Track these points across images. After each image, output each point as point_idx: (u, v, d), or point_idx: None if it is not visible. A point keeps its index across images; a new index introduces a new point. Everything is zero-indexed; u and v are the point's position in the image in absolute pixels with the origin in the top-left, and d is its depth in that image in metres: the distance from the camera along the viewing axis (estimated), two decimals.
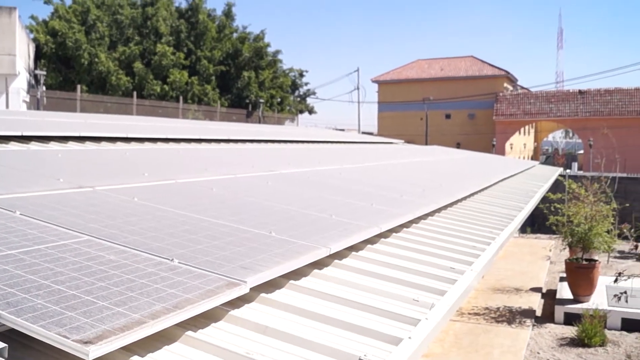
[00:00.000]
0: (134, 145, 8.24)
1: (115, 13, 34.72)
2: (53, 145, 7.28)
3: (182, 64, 34.73)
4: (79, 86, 27.41)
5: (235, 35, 40.05)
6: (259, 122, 32.56)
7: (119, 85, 32.03)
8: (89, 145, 7.66)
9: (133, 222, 3.53)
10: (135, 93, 28.76)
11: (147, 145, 8.49)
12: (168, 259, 2.89)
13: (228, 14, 40.24)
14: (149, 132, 9.16)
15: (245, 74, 37.43)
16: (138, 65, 32.99)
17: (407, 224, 5.60)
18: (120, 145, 8.03)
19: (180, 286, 2.54)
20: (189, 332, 2.46)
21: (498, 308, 9.81)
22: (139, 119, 14.50)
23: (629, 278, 6.92)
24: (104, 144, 7.93)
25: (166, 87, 33.34)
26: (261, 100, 35.81)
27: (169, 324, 2.21)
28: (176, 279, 2.64)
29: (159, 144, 8.79)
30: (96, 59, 31.84)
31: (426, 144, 35.94)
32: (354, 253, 4.28)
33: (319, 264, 3.76)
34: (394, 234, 5.16)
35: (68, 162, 5.67)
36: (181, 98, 31.42)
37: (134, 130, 9.04)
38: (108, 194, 4.25)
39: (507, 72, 48.68)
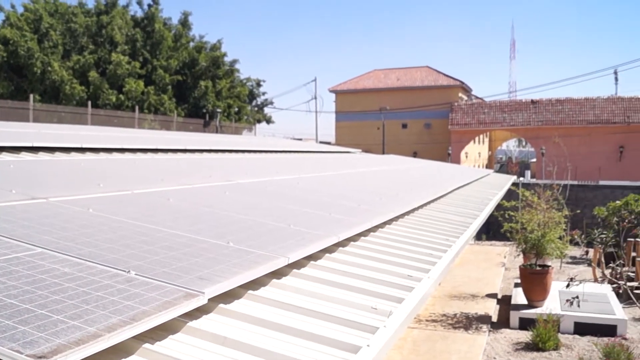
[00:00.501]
0: (88, 155, 8.10)
1: (69, 21, 34.16)
2: (5, 156, 7.12)
3: (138, 73, 34.34)
4: (31, 95, 26.81)
5: (191, 44, 39.83)
6: (216, 132, 32.37)
7: (73, 94, 31.48)
8: (42, 155, 7.51)
9: (88, 233, 3.48)
10: (90, 103, 28.30)
11: (103, 155, 8.36)
12: (124, 271, 2.86)
13: (184, 23, 40.00)
14: (104, 142, 9.02)
15: (202, 83, 37.21)
16: (93, 75, 32.49)
17: (365, 233, 5.64)
18: (74, 155, 7.89)
19: (137, 298, 2.52)
20: (147, 345, 2.44)
21: (455, 314, 9.93)
22: (94, 128, 14.27)
23: (580, 283, 7.10)
24: (57, 154, 7.79)
25: (122, 97, 32.91)
26: (218, 110, 35.63)
27: (126, 336, 2.18)
28: (133, 290, 2.61)
29: (115, 154, 8.67)
30: (49, 68, 31.25)
31: (383, 153, 36.21)
32: (312, 262, 4.29)
33: (278, 274, 3.77)
34: (352, 242, 5.19)
35: (20, 173, 5.56)
36: (137, 108, 31.05)
37: (89, 141, 8.90)
38: (62, 205, 4.18)
39: (462, 82, 49.48)
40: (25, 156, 7.34)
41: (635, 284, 11.89)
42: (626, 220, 11.82)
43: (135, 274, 2.84)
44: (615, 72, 53.63)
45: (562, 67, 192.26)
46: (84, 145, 8.39)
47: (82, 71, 32.93)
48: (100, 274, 2.78)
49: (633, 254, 13.12)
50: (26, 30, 31.70)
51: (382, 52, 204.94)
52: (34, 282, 2.54)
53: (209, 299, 2.76)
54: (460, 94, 48.90)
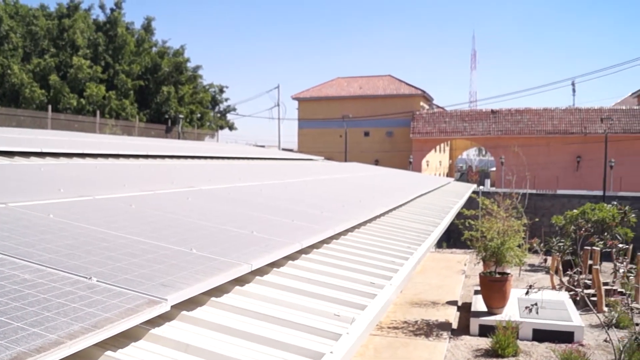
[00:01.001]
0: (49, 160, 7.97)
1: (29, 24, 33.55)
2: None
3: (100, 77, 33.88)
4: None
5: (154, 49, 39.48)
6: (179, 138, 32.10)
7: (33, 98, 30.90)
8: (0, 160, 7.36)
9: (48, 239, 3.43)
10: (50, 107, 27.80)
11: (63, 160, 8.23)
12: (86, 278, 2.83)
13: (147, 28, 39.64)
14: (64, 147, 8.88)
15: (165, 89, 36.90)
16: (53, 78, 31.95)
17: (327, 240, 5.67)
18: (34, 160, 7.75)
19: (99, 305, 2.49)
20: (109, 352, 2.42)
21: (416, 321, 10.03)
22: (55, 133, 14.03)
23: (539, 290, 7.24)
24: (17, 158, 7.64)
25: (83, 101, 32.42)
26: (181, 116, 35.34)
27: (88, 344, 2.16)
28: (95, 297, 2.58)
29: (76, 159, 8.54)
30: (9, 71, 30.64)
31: (346, 160, 36.37)
32: (275, 269, 4.30)
33: (241, 281, 3.77)
34: (314, 249, 5.21)
35: None
36: (98, 113, 30.62)
37: (49, 145, 8.75)
38: (22, 210, 4.11)
39: (424, 92, 50.02)
40: None
41: (591, 291, 12.17)
42: (583, 229, 12.10)
43: (97, 281, 2.81)
44: (573, 84, 55.09)
45: (522, 77, 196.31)
46: (44, 150, 8.24)
47: (42, 75, 32.35)
48: (61, 280, 2.74)
49: (590, 261, 13.42)
50: None
51: (345, 60, 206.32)
52: None
53: (171, 306, 2.75)
54: (421, 103, 49.42)
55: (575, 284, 11.52)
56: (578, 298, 11.20)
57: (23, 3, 35.27)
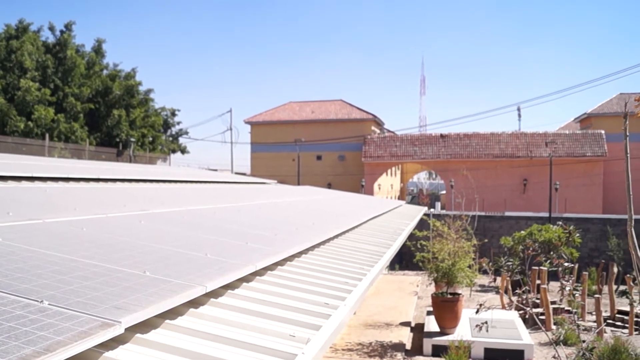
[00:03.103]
0: None
1: None
2: None
3: (48, 100, 33.24)
4: None
5: (105, 72, 39.01)
6: (130, 162, 31.67)
7: None
8: None
9: None
10: None
11: (11, 183, 8.05)
12: (37, 301, 2.79)
13: (98, 51, 39.17)
14: (12, 170, 8.68)
15: (116, 112, 36.43)
16: (0, 101, 31.20)
17: (281, 262, 5.68)
18: None
19: (51, 328, 2.46)
20: None
21: (370, 343, 10.07)
22: (2, 156, 13.70)
23: (489, 309, 7.38)
24: None
25: (30, 124, 31.72)
26: (132, 139, 34.91)
27: None
28: (46, 321, 2.55)
29: (24, 183, 8.36)
30: None
31: (298, 184, 36.44)
32: (230, 291, 4.29)
33: (195, 303, 3.75)
34: (269, 272, 5.22)
35: None
36: (47, 136, 30.00)
37: None
38: None
39: (375, 116, 50.63)
40: None
41: (540, 309, 12.44)
42: (530, 249, 12.39)
43: (49, 304, 2.77)
44: (519, 109, 56.62)
45: (470, 103, 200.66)
46: None
47: None
48: (11, 304, 2.70)
49: (537, 281, 13.74)
50: None
51: (297, 84, 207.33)
52: None
53: (125, 329, 2.73)
54: (372, 127, 49.99)
55: (524, 302, 11.76)
56: (527, 316, 11.43)
57: None
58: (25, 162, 11.25)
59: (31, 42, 34.79)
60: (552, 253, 13.67)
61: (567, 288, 8.27)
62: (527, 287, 8.16)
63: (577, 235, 13.65)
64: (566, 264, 8.88)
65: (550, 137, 42.90)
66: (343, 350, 9.58)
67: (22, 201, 6.25)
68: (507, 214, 28.50)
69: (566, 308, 13.10)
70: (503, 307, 12.28)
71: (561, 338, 10.53)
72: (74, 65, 35.79)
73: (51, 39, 37.09)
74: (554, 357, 7.49)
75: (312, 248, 6.97)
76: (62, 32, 36.91)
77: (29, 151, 25.83)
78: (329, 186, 39.79)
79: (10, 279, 3.10)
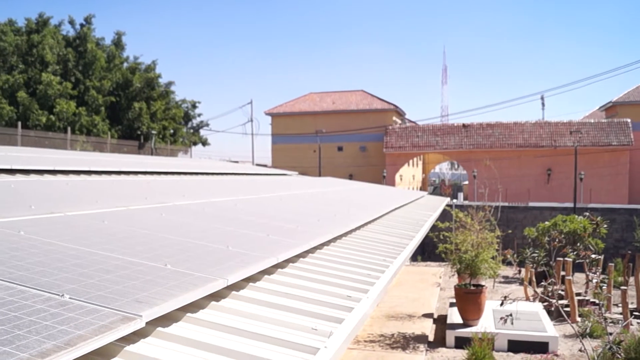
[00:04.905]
0: (19, 177, 7.83)
1: None
2: None
3: (70, 93, 33.51)
4: None
5: (125, 65, 39.19)
6: (151, 154, 31.86)
7: (2, 115, 30.45)
8: None
9: (19, 256, 3.36)
10: (20, 123, 27.41)
11: (34, 177, 8.10)
12: (58, 295, 2.77)
13: (118, 44, 39.37)
14: (35, 164, 8.74)
15: (136, 105, 36.61)
16: (22, 95, 31.51)
17: (303, 254, 5.64)
18: (4, 177, 7.61)
19: (72, 322, 2.44)
20: None
21: (392, 334, 10.02)
22: (25, 150, 13.82)
23: (513, 301, 7.27)
24: None
25: (52, 118, 32.01)
26: (153, 132, 35.09)
27: None
28: (67, 315, 2.53)
29: (47, 176, 8.41)
30: None
31: (319, 175, 36.41)
32: (251, 284, 4.26)
33: (217, 296, 3.72)
34: (290, 264, 5.18)
35: None
36: (69, 129, 30.26)
37: (20, 162, 8.60)
38: None
39: (396, 106, 50.36)
40: None
41: (565, 301, 12.29)
42: (556, 240, 12.22)
43: (70, 298, 2.75)
44: (542, 98, 55.92)
45: (492, 92, 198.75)
46: (14, 167, 8.10)
47: (11, 91, 31.91)
48: (32, 298, 2.68)
49: (562, 272, 13.57)
50: None
51: (318, 75, 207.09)
52: None
53: (146, 322, 2.70)
54: (394, 118, 49.73)
55: (549, 294, 11.62)
56: (552, 309, 11.29)
57: None
58: (48, 156, 11.33)
59: (52, 36, 35.05)
60: (578, 244, 13.47)
61: (594, 280, 8.12)
62: (552, 279, 8.04)
63: (605, 226, 13.43)
64: (593, 256, 8.72)
65: (575, 126, 42.32)
66: (365, 341, 9.54)
67: (44, 194, 6.27)
68: (531, 204, 28.22)
69: (591, 300, 12.93)
70: (527, 299, 12.14)
71: (587, 331, 10.38)
72: (95, 59, 36.00)
73: (71, 33, 37.36)
74: (580, 350, 7.37)
75: (334, 240, 6.92)
76: (82, 25, 37.15)
77: (52, 145, 26.07)
78: (351, 177, 39.70)
79: (32, 272, 3.09)
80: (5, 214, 4.59)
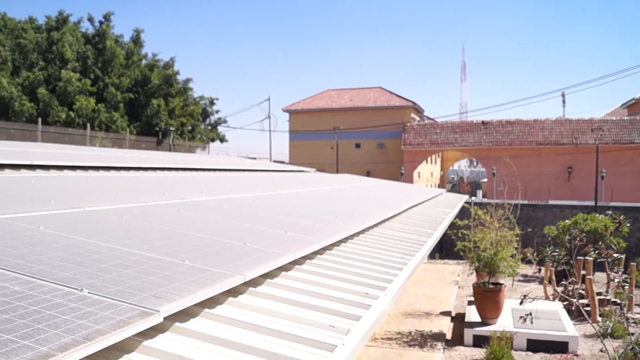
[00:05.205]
0: (39, 172, 7.90)
1: (18, 37, 33.44)
2: None
3: (89, 90, 33.75)
4: None
5: (144, 62, 39.38)
6: (170, 150, 32.02)
7: (23, 111, 30.75)
8: None
9: (39, 251, 3.38)
10: (40, 120, 27.67)
11: (54, 172, 8.16)
12: (77, 289, 2.78)
13: (136, 41, 39.57)
14: (55, 160, 8.81)
15: (155, 101, 36.79)
16: (42, 91, 31.81)
17: (321, 251, 5.63)
18: (25, 172, 7.68)
19: (91, 317, 2.45)
20: None
21: (410, 332, 9.97)
22: (45, 146, 13.95)
23: (533, 300, 7.20)
24: (7, 171, 7.57)
25: (72, 114, 32.27)
26: (171, 128, 35.25)
27: (79, 356, 2.12)
28: (86, 309, 2.54)
29: (66, 172, 8.47)
30: None
31: (337, 172, 36.36)
32: (269, 280, 4.26)
33: (234, 292, 3.72)
34: (308, 260, 5.17)
35: None
36: (88, 125, 30.49)
37: (40, 158, 8.68)
38: (12, 222, 4.05)
39: (414, 103, 50.16)
40: None
41: (585, 301, 12.15)
42: (577, 239, 12.08)
43: (88, 293, 2.76)
44: (563, 95, 55.35)
45: (512, 89, 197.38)
46: (35, 163, 8.18)
47: (31, 88, 32.22)
48: (51, 292, 2.69)
49: (583, 271, 13.43)
50: None
51: (336, 72, 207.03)
52: None
53: (164, 318, 2.71)
54: (412, 115, 49.54)
55: (570, 294, 11.51)
56: (572, 308, 11.18)
57: (11, 16, 35.14)
58: (67, 152, 11.42)
59: (71, 34, 35.32)
60: (600, 243, 13.32)
61: (616, 280, 8.02)
62: (573, 278, 7.95)
63: (627, 224, 13.25)
64: (615, 255, 8.61)
65: (597, 123, 41.87)
66: (382, 339, 9.51)
67: (64, 190, 6.31)
68: (551, 202, 27.98)
69: (613, 300, 12.77)
70: (547, 298, 12.03)
71: (608, 331, 10.26)
72: (113, 56, 36.22)
73: (90, 30, 37.60)
74: (600, 350, 7.28)
75: (352, 237, 6.90)
76: (101, 22, 37.37)
77: (71, 141, 26.28)
78: (368, 174, 39.61)
79: (51, 267, 3.10)
80: (25, 209, 4.62)
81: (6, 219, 4.16)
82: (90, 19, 37.50)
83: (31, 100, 31.76)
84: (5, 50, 32.17)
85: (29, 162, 8.06)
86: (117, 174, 9.39)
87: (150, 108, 36.78)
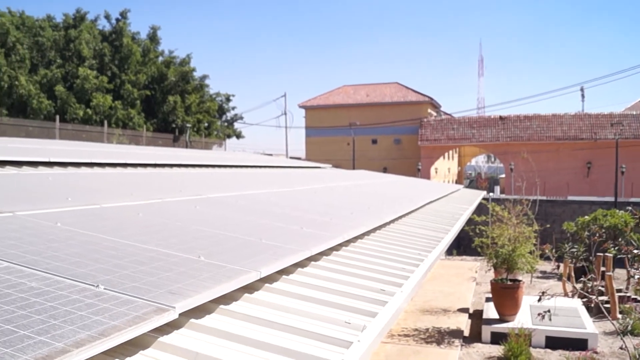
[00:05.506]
0: (56, 169, 7.96)
1: (36, 35, 33.75)
2: None
3: (106, 87, 33.99)
4: None
5: (160, 59, 39.58)
6: (186, 147, 32.14)
7: (41, 109, 31.04)
8: (9, 169, 7.35)
9: (55, 247, 3.40)
10: (57, 117, 27.92)
11: (71, 169, 8.22)
12: (93, 285, 2.79)
13: (153, 38, 39.78)
14: (72, 157, 8.87)
15: (171, 98, 36.97)
16: (60, 89, 32.08)
17: (337, 247, 5.61)
18: (42, 169, 7.74)
19: (106, 313, 2.45)
20: None
21: (427, 329, 9.94)
22: (62, 143, 14.06)
23: (551, 297, 7.14)
24: (25, 168, 7.63)
25: (89, 111, 32.53)
26: (188, 125, 35.40)
27: (95, 352, 2.12)
28: (102, 305, 2.54)
29: (83, 169, 8.53)
30: (16, 82, 30.79)
31: (353, 168, 36.30)
32: (284, 276, 4.25)
33: (250, 288, 3.71)
34: (324, 257, 5.16)
35: None
36: (105, 122, 30.71)
37: (57, 155, 8.74)
38: (29, 219, 4.08)
39: (431, 98, 49.93)
40: None
41: (605, 298, 12.03)
42: (596, 235, 11.95)
43: (104, 289, 2.77)
44: (582, 89, 54.64)
45: (530, 83, 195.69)
46: (52, 160, 8.23)
47: (49, 85, 32.51)
48: (68, 288, 2.70)
49: (603, 268, 13.29)
50: None
51: (352, 68, 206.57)
52: None
53: (179, 314, 2.71)
54: (429, 110, 49.31)
55: (589, 290, 11.40)
56: (592, 305, 11.08)
57: (29, 14, 35.49)
58: (84, 149, 11.50)
59: (88, 31, 35.59)
60: (620, 239, 13.16)
61: (636, 276, 7.92)
62: (592, 275, 7.84)
63: None
64: (635, 251, 8.50)
65: (616, 118, 41.35)
66: (399, 335, 9.48)
67: (81, 187, 6.35)
68: (570, 198, 27.69)
69: (633, 296, 12.63)
70: (566, 295, 11.93)
71: (628, 328, 10.15)
72: (130, 53, 36.44)
73: (107, 28, 37.86)
74: (620, 347, 7.20)
75: (368, 233, 6.88)
76: (117, 20, 37.61)
77: (89, 138, 26.50)
78: (385, 170, 39.50)
79: (68, 263, 3.12)
80: (43, 205, 4.65)
81: (24, 215, 4.18)
82: (107, 17, 37.78)
83: (49, 98, 32.05)
84: (23, 48, 32.47)
85: (46, 160, 8.12)
86: (134, 170, 9.44)
87: (167, 105, 36.96)
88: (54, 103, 32.00)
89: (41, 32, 33.90)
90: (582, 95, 54.87)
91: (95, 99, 32.67)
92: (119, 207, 5.15)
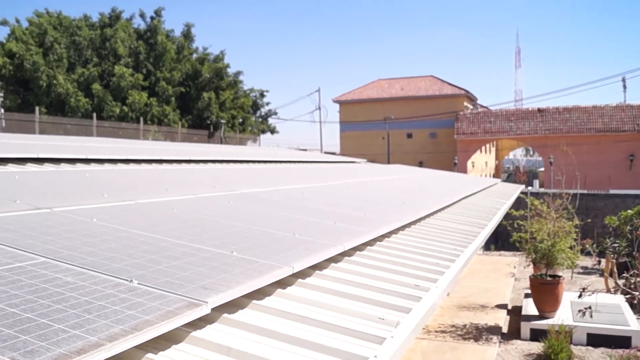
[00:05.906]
0: (93, 166, 8.08)
1: (73, 34, 34.35)
2: (10, 167, 7.10)
3: (141, 85, 34.45)
4: (37, 108, 26.93)
5: (194, 56, 39.95)
6: (221, 143, 32.41)
7: (78, 107, 31.62)
8: (47, 166, 7.49)
9: (91, 243, 3.44)
10: (95, 115, 28.40)
11: (107, 166, 8.34)
12: (127, 280, 2.81)
13: (187, 35, 40.16)
14: (108, 154, 9.01)
15: (206, 94, 37.29)
16: (96, 87, 32.63)
17: (370, 242, 5.57)
18: (79, 166, 7.87)
19: (140, 307, 2.47)
20: (149, 355, 2.39)
21: (464, 325, 9.83)
22: (99, 140, 14.28)
23: (593, 293, 6.99)
24: (63, 165, 7.77)
25: (125, 109, 33.01)
26: (222, 121, 35.66)
27: (128, 346, 2.13)
28: (135, 300, 2.56)
29: (119, 165, 8.64)
30: (54, 81, 31.40)
31: (388, 162, 36.14)
32: (317, 272, 4.23)
33: (283, 283, 3.71)
34: (357, 252, 5.13)
35: (25, 184, 5.53)
36: (141, 119, 31.13)
37: (94, 152, 8.88)
38: (66, 215, 4.14)
39: (467, 91, 49.39)
40: (30, 167, 7.32)
41: None
42: (639, 229, 11.66)
43: (138, 283, 2.79)
44: (624, 80, 53.35)
45: (569, 75, 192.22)
46: (89, 157, 8.36)
47: (86, 84, 33.09)
48: (102, 283, 2.73)
49: None
50: (31, 44, 31.89)
51: (386, 62, 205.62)
52: (36, 291, 2.51)
53: (212, 309, 2.71)
54: (465, 103, 48.80)
55: (632, 287, 11.14)
56: (635, 301, 10.82)
57: (66, 14, 36.13)
58: (121, 146, 11.66)
59: (124, 30, 36.12)
60: None
61: None
62: (635, 271, 7.65)
63: None
64: None
65: None
66: (436, 331, 9.40)
67: (117, 183, 6.43)
68: (612, 191, 27.09)
69: None
70: (608, 291, 11.68)
71: None
72: (165, 50, 36.86)
73: (142, 26, 38.35)
74: None
75: (403, 228, 6.82)
76: (152, 18, 38.09)
77: (125, 135, 26.91)
78: (420, 164, 39.24)
79: (103, 258, 3.15)
80: (79, 201, 4.72)
81: (61, 211, 4.25)
82: (142, 15, 38.30)
83: (86, 96, 32.62)
84: (61, 47, 33.09)
85: (84, 157, 8.25)
86: (169, 166, 9.53)
87: (201, 101, 37.30)
88: (91, 101, 32.55)
89: (78, 32, 34.49)
90: (624, 86, 53.58)
91: (131, 96, 33.14)
92: (153, 203, 5.20)
